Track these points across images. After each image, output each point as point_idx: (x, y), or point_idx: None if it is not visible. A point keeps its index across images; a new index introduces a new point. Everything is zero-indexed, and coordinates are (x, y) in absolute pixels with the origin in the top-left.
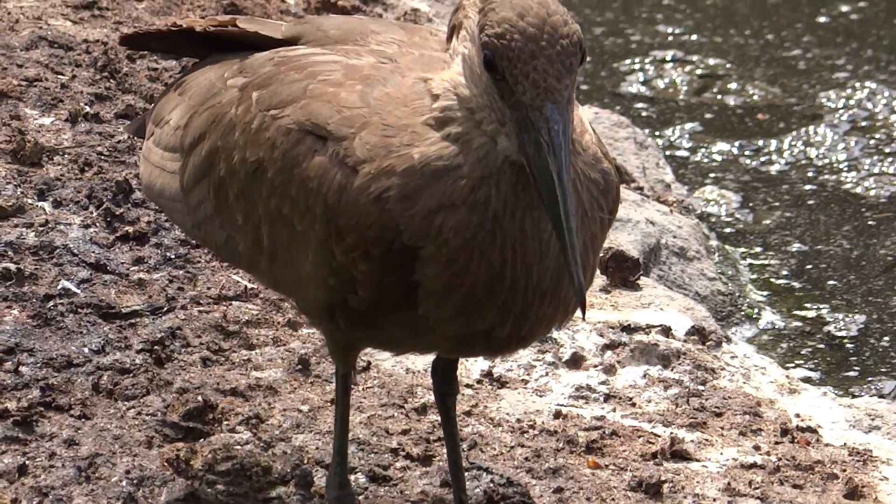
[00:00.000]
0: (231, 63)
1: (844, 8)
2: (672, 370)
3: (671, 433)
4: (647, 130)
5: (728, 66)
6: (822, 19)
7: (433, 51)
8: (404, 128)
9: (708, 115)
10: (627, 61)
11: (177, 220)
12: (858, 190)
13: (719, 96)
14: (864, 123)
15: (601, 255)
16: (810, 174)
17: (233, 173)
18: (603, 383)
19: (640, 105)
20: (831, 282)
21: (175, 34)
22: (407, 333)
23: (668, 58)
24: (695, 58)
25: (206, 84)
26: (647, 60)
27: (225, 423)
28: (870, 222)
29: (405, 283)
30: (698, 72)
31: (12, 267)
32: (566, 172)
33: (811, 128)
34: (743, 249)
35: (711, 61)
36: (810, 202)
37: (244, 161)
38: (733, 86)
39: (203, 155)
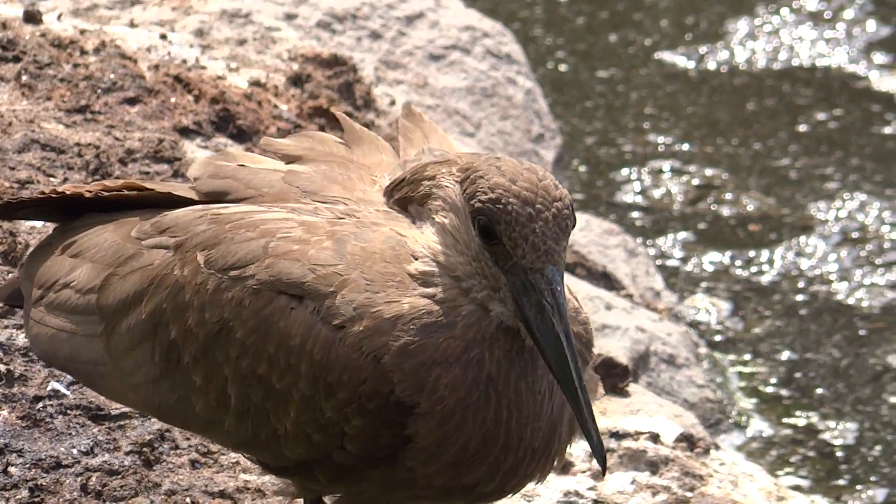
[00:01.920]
0: (132, 222)
1: (821, 116)
2: (660, 476)
3: None
4: (639, 239)
5: (724, 176)
6: (802, 127)
7: (382, 204)
8: (389, 280)
9: (701, 225)
10: (624, 171)
11: (98, 383)
12: (850, 301)
13: (714, 206)
14: (854, 235)
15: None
16: (801, 285)
17: (187, 336)
18: (591, 489)
19: (634, 214)
20: (820, 390)
21: (51, 201)
22: (386, 487)
23: (665, 168)
24: (691, 168)
25: (109, 245)
26: (644, 170)
27: None
28: (861, 332)
29: (398, 437)
30: (694, 182)
31: (2, 368)
32: (571, 332)
33: (802, 238)
34: (732, 357)
35: (707, 171)
36: (801, 311)
37: (203, 323)
38: (728, 196)
39: (143, 318)
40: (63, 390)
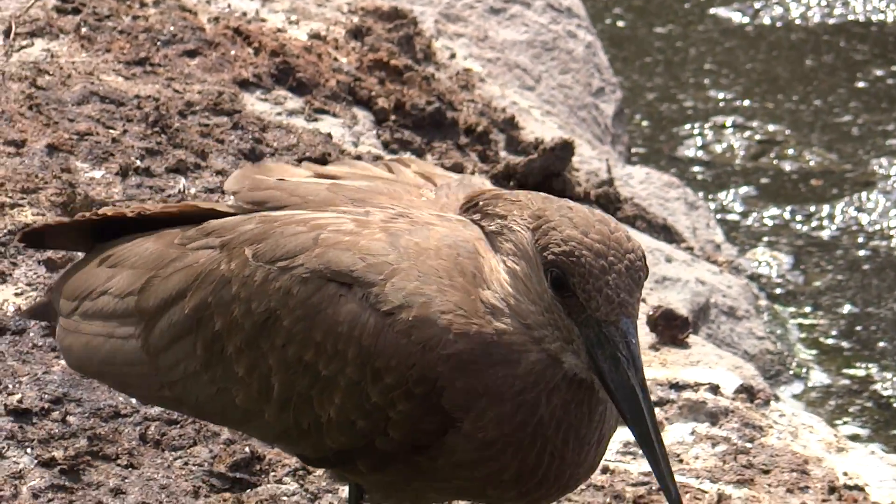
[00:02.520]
0: (174, 234)
1: (879, 72)
2: (720, 427)
3: (718, 489)
4: (700, 193)
5: (786, 131)
6: (861, 84)
7: (430, 211)
8: (442, 275)
9: (763, 180)
10: (686, 126)
11: (132, 384)
12: None
13: (776, 161)
14: None
15: (652, 313)
16: (862, 240)
17: (233, 327)
18: None
19: (695, 168)
20: (881, 343)
21: (91, 224)
22: (419, 475)
23: (727, 123)
24: (754, 123)
25: (150, 253)
26: (705, 125)
27: (272, 474)
28: None
29: (442, 424)
30: (757, 137)
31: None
32: (647, 385)
33: (864, 194)
34: (792, 309)
35: (769, 127)
36: (863, 266)
37: (249, 313)
38: (790, 151)
39: (186, 313)
40: None
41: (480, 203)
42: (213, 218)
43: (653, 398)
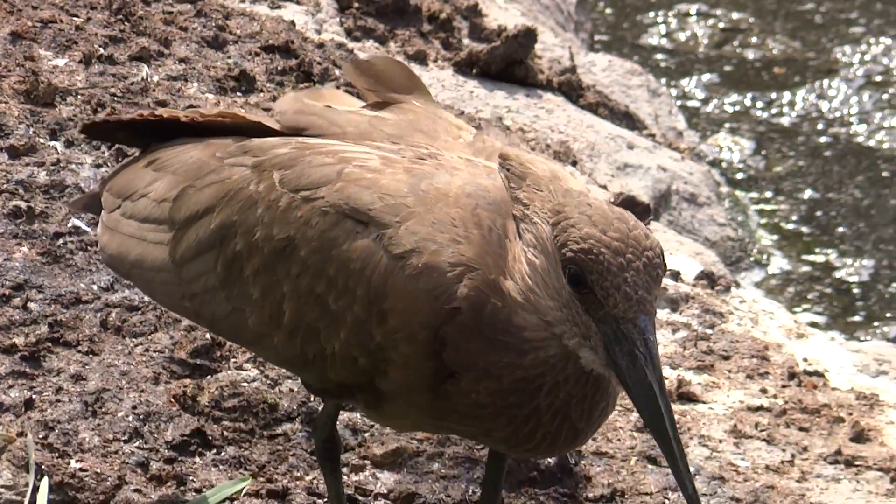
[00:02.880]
0: (220, 144)
1: None
2: (681, 314)
3: (678, 375)
4: (663, 80)
5: (750, 19)
6: None
7: (461, 154)
8: (460, 229)
9: (727, 68)
10: (650, 14)
11: (157, 290)
12: (872, 143)
13: (739, 49)
14: (878, 78)
15: (613, 200)
16: (823, 126)
17: (253, 249)
18: None
19: (658, 56)
20: (841, 229)
21: (147, 123)
22: (419, 412)
23: (691, 11)
24: (717, 11)
25: (193, 161)
26: (669, 13)
27: (232, 360)
28: (884, 174)
29: (441, 370)
30: (720, 25)
31: (23, 205)
32: (664, 381)
33: (826, 81)
34: (754, 195)
35: (734, 15)
36: (824, 153)
37: (269, 238)
38: (754, 39)
39: (212, 228)
40: (83, 227)
41: (509, 174)
42: (259, 132)
43: None
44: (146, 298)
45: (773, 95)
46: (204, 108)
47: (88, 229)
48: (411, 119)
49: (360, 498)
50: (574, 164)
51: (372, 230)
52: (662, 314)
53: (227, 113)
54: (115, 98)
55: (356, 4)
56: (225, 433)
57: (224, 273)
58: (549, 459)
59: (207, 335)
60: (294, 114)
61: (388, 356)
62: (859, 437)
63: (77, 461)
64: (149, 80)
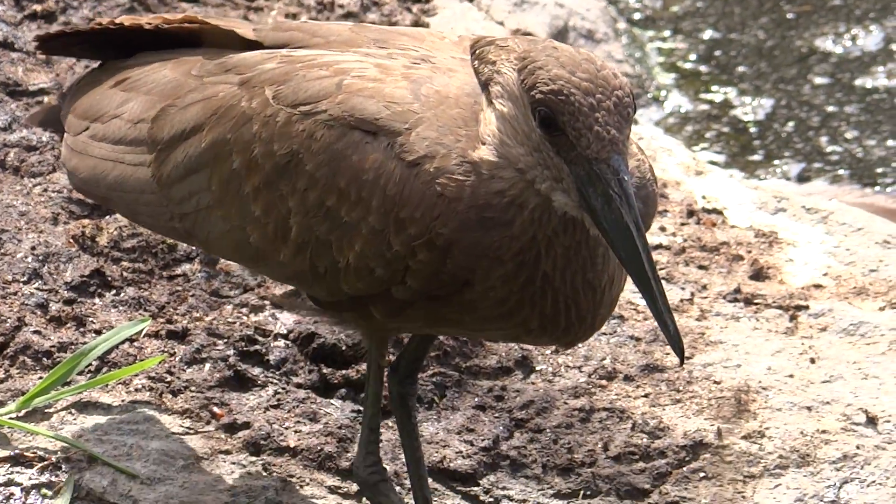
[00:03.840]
0: (193, 61)
1: None
2: None
3: None
4: None
5: None
6: None
7: (452, 54)
8: (460, 124)
9: None
10: None
11: (141, 212)
12: None
13: None
14: None
15: (510, 33)
16: None
17: (252, 166)
18: None
19: None
20: (741, 68)
21: (108, 32)
22: (436, 322)
23: None
24: None
25: (168, 81)
26: None
27: None
28: (788, 15)
29: (458, 278)
30: None
31: None
32: (641, 222)
33: None
34: (652, 33)
35: None
36: (729, 1)
37: (270, 154)
38: None
39: (202, 148)
40: None
41: (478, 51)
42: (232, 44)
43: None
44: (44, 138)
45: None
46: (168, 14)
47: None
48: (393, 27)
49: (261, 338)
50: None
51: (382, 139)
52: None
53: (195, 18)
54: None
55: None
56: (124, 274)
57: (220, 192)
58: None
59: None
60: (272, 30)
61: (407, 264)
62: (758, 274)
63: None
64: None
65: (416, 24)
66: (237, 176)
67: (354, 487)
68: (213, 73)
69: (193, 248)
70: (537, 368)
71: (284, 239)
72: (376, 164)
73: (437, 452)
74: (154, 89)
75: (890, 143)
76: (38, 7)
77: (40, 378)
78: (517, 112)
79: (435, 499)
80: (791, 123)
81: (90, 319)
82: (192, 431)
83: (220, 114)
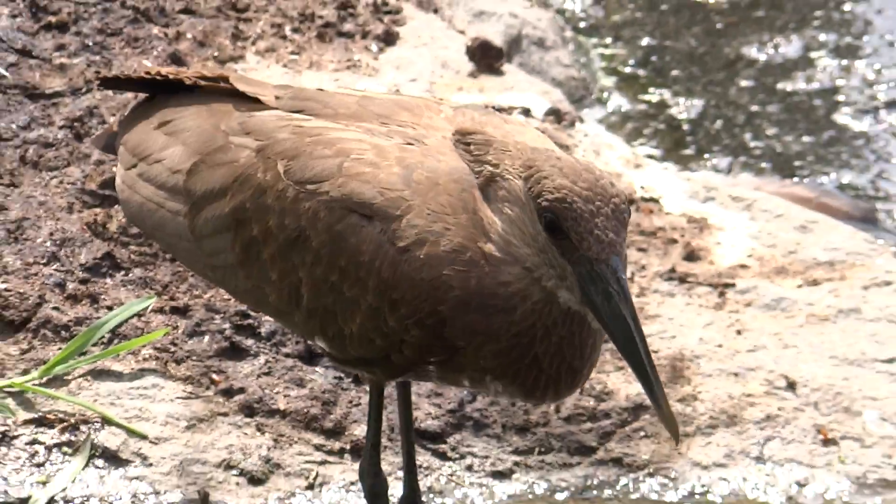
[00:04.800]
0: (223, 112)
1: None
2: None
3: None
4: None
5: None
6: None
7: (444, 134)
8: (448, 211)
9: None
10: None
11: (181, 255)
12: None
13: None
14: None
15: (470, 44)
16: None
17: (268, 235)
18: None
19: None
20: (675, 72)
21: (153, 81)
22: (444, 382)
23: None
24: None
25: (202, 131)
26: None
27: None
28: (717, 25)
29: (449, 350)
30: None
31: None
32: (637, 315)
33: None
34: (595, 41)
35: None
36: (661, 6)
37: (282, 227)
38: None
39: (227, 211)
40: (2, 71)
41: (472, 147)
42: (256, 103)
43: None
44: (59, 136)
45: None
46: (206, 69)
47: (7, 74)
48: (396, 99)
49: (253, 314)
50: (435, 11)
51: (376, 224)
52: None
53: (227, 78)
54: None
55: None
56: (132, 256)
57: (242, 255)
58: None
59: (114, 168)
60: (291, 99)
61: (402, 338)
62: (691, 256)
63: (2, 282)
64: None
65: (387, 33)
66: (256, 242)
67: (338, 445)
68: (236, 133)
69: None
70: None
71: (297, 304)
72: (372, 247)
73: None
74: (189, 139)
75: (806, 139)
76: (52, 18)
77: (59, 349)
78: (524, 216)
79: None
80: (719, 122)
81: (102, 297)
82: (193, 396)
83: (240, 181)
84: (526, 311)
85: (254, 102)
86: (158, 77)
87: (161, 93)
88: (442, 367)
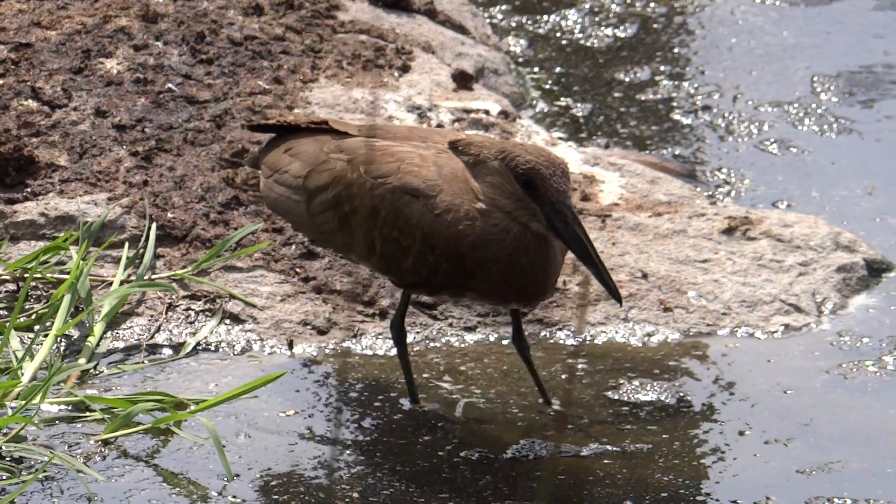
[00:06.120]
0: (325, 140)
1: None
2: (488, 132)
3: None
4: (480, 8)
5: None
6: None
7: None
8: (464, 192)
9: (516, 3)
10: None
11: (300, 227)
12: (592, 42)
13: None
14: None
15: (454, 73)
16: (568, 31)
17: (355, 211)
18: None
19: None
20: (575, 88)
21: (283, 126)
22: (459, 294)
23: None
24: None
25: (312, 152)
26: None
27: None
28: (600, 60)
29: (468, 275)
30: None
31: (141, 76)
32: (587, 233)
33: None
34: (528, 70)
35: None
36: (567, 49)
37: (363, 205)
38: None
39: (329, 198)
40: (174, 88)
41: (460, 147)
42: (346, 135)
43: (455, 116)
44: (207, 126)
45: (537, 17)
46: (315, 117)
47: (176, 89)
48: (427, 128)
49: None
50: (433, 52)
51: (421, 200)
52: (480, 130)
53: (327, 122)
54: (191, 18)
55: None
56: (249, 198)
57: (339, 224)
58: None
59: (239, 145)
60: (366, 130)
61: (437, 269)
62: (585, 198)
63: (171, 213)
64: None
65: (404, 65)
66: (347, 216)
67: (371, 311)
68: (333, 152)
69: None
70: None
71: (373, 251)
72: (418, 214)
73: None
74: (305, 157)
75: (654, 128)
76: (203, 56)
77: (204, 253)
78: (504, 181)
79: (410, 316)
80: (602, 117)
81: (231, 222)
82: (285, 282)
83: (337, 179)
84: (510, 239)
85: (343, 135)
86: (284, 123)
87: (285, 132)
88: (459, 290)
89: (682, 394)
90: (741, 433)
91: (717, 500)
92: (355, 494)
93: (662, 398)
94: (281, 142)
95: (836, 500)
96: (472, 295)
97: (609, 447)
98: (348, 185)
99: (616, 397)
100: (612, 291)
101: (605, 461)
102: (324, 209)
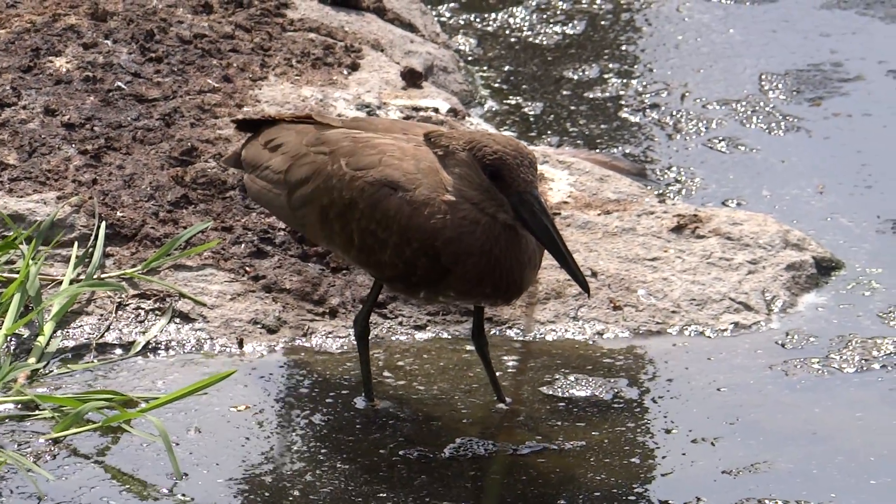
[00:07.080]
0: (306, 131)
1: None
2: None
3: None
4: (429, 6)
5: None
6: None
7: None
8: (439, 185)
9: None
10: None
11: (282, 219)
12: (540, 39)
13: None
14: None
15: (403, 70)
16: (515, 30)
17: (333, 203)
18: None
19: None
20: (524, 86)
21: (266, 121)
22: (437, 291)
23: None
24: None
25: (293, 145)
26: None
27: (202, 157)
28: (549, 58)
29: (445, 271)
30: None
31: (90, 74)
32: (554, 222)
33: (514, 9)
34: (477, 67)
35: None
36: (516, 47)
37: (342, 198)
38: None
39: (309, 191)
40: (123, 86)
41: (432, 139)
42: (328, 126)
43: (405, 114)
44: (156, 124)
45: (485, 15)
46: (297, 111)
47: (125, 87)
48: (407, 121)
49: (271, 231)
50: (382, 50)
51: (399, 192)
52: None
53: (310, 115)
54: (139, 16)
55: None
56: (199, 196)
57: (318, 216)
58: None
59: (189, 144)
60: (352, 121)
61: (415, 264)
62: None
63: (120, 212)
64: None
65: (353, 63)
66: (327, 208)
67: (321, 310)
68: (314, 144)
69: (238, 180)
70: None
71: (351, 245)
72: (396, 206)
73: (364, 293)
74: (286, 150)
75: (603, 126)
76: (152, 55)
77: (153, 252)
78: (472, 172)
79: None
80: (552, 116)
81: (180, 221)
82: (234, 280)
83: (317, 172)
84: (480, 230)
85: (326, 126)
86: (269, 118)
87: (268, 127)
88: (437, 287)
89: (616, 390)
90: (668, 431)
91: (648, 500)
92: (296, 493)
93: (597, 394)
94: (260, 135)
95: (766, 501)
96: (450, 292)
97: (546, 445)
98: (327, 178)
99: (551, 392)
100: (580, 282)
101: (540, 460)
102: (304, 203)
